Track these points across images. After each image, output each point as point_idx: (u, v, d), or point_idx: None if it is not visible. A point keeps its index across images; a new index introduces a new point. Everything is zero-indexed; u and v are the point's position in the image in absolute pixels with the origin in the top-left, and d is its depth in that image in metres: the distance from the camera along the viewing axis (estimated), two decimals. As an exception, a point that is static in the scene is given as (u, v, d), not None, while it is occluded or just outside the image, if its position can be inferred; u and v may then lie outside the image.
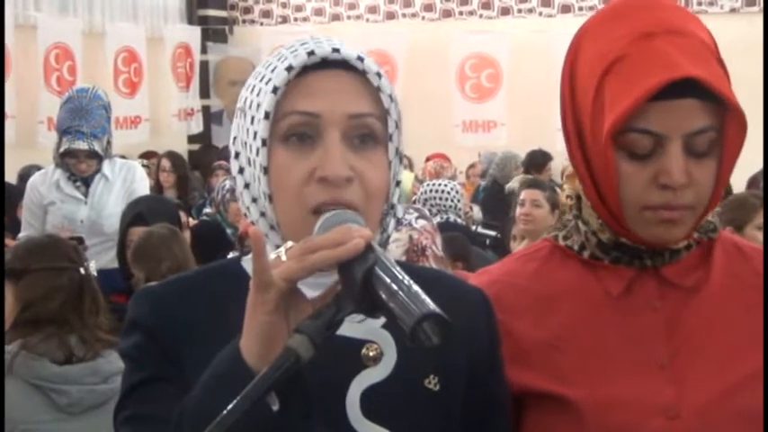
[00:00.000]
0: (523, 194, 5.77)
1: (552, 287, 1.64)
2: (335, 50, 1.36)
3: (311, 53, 1.36)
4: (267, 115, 1.36)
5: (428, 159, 10.86)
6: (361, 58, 1.37)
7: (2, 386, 2.90)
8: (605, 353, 1.59)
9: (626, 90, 1.48)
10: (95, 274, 3.31)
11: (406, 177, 8.34)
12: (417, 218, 3.39)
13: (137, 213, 4.56)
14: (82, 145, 4.99)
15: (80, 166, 5.06)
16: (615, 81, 1.50)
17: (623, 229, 1.57)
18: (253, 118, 1.39)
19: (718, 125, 1.51)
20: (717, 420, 1.53)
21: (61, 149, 5.04)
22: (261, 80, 1.40)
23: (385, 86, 1.39)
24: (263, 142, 1.37)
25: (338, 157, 1.34)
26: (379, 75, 1.38)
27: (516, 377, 1.59)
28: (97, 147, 5.02)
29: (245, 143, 1.40)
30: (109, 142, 5.15)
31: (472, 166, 11.73)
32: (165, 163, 8.28)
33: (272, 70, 1.38)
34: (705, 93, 1.47)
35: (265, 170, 1.38)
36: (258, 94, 1.38)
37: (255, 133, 1.38)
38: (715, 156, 1.53)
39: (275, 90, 1.35)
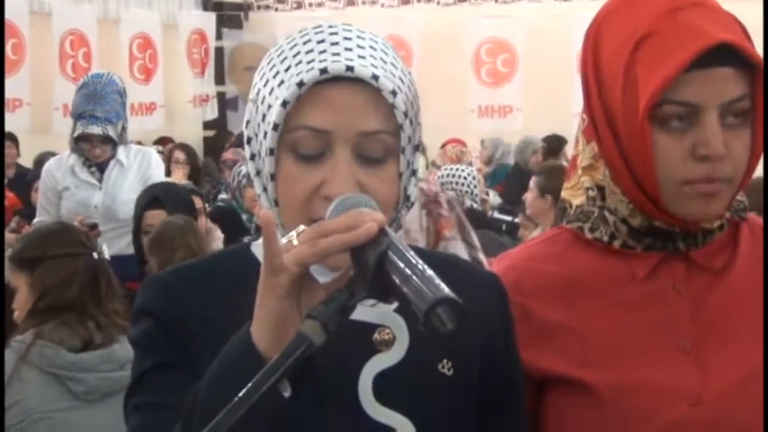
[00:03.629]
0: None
1: (575, 271, 1.62)
2: (349, 69, 1.30)
3: (324, 71, 1.30)
4: (276, 127, 1.32)
5: (444, 145, 10.84)
6: (375, 77, 1.31)
7: (2, 380, 2.90)
8: (627, 337, 1.56)
9: (660, 63, 1.46)
10: (108, 258, 3.30)
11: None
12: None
13: (153, 197, 4.54)
14: (95, 129, 4.97)
15: (94, 152, 5.05)
16: (647, 57, 1.48)
17: (658, 210, 1.54)
18: (264, 116, 1.35)
19: (750, 93, 1.49)
20: (740, 407, 1.51)
21: (75, 134, 5.03)
22: (273, 74, 1.35)
23: (399, 104, 1.33)
24: (271, 151, 1.34)
25: (345, 177, 1.30)
26: (394, 93, 1.32)
27: (536, 360, 1.57)
28: (111, 132, 5.00)
29: (257, 135, 1.38)
30: (124, 128, 5.13)
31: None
32: (179, 155, 8.23)
33: (286, 69, 1.33)
34: (738, 60, 1.46)
35: (272, 177, 1.35)
36: (270, 92, 1.34)
37: (265, 133, 1.34)
38: (749, 125, 1.51)
39: (285, 104, 1.31)
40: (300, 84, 1.30)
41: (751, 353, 1.54)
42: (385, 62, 1.34)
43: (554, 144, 10.32)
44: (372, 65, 1.32)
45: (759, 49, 1.51)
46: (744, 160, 1.52)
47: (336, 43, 1.33)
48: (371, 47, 1.35)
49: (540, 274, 1.62)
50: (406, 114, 1.34)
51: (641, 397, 1.52)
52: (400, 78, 1.35)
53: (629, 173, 1.54)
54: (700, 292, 1.57)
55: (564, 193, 1.69)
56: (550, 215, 5.30)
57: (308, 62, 1.32)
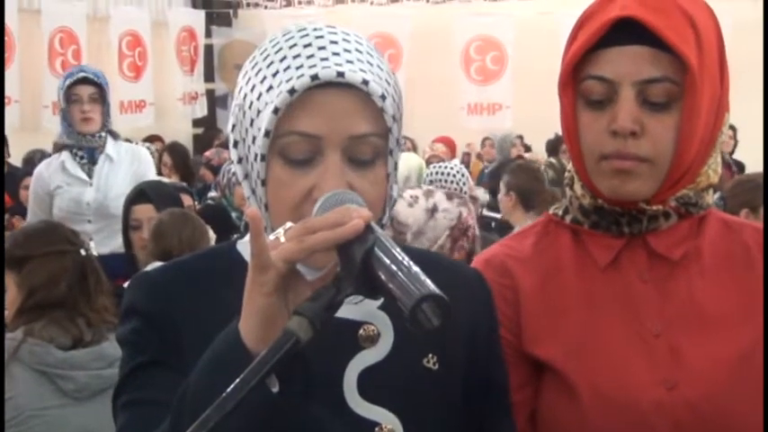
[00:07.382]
0: None
1: (548, 260, 1.66)
2: (340, 75, 1.31)
3: (315, 77, 1.30)
4: (267, 134, 1.33)
5: (434, 142, 10.84)
6: (366, 82, 1.32)
7: (2, 380, 2.90)
8: (596, 323, 1.59)
9: (581, 37, 1.55)
10: (96, 254, 3.29)
11: (417, 161, 8.25)
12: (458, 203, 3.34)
13: (139, 191, 4.54)
14: (84, 80, 4.99)
15: (84, 109, 4.99)
16: (581, 36, 1.56)
17: (591, 183, 1.60)
18: (252, 121, 1.35)
19: (678, 79, 1.52)
20: (717, 391, 1.53)
21: (62, 89, 5.00)
22: (260, 79, 1.35)
23: (388, 108, 1.34)
24: (263, 157, 1.34)
25: (337, 180, 1.31)
26: (383, 97, 1.33)
27: (528, 346, 1.61)
28: (101, 82, 5.02)
29: (244, 139, 1.38)
30: (108, 114, 5.13)
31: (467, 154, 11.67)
32: (166, 159, 8.19)
33: (274, 74, 1.33)
34: (660, 43, 1.50)
35: (263, 182, 1.36)
36: (258, 97, 1.34)
37: (254, 138, 1.35)
38: (676, 111, 1.54)
39: (276, 111, 1.31)
40: (292, 91, 1.30)
41: (726, 339, 1.56)
42: (371, 65, 1.35)
43: (553, 143, 10.39)
44: (361, 69, 1.33)
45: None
46: (666, 144, 1.54)
47: (323, 48, 1.34)
48: (357, 50, 1.36)
49: (520, 262, 1.66)
50: (394, 118, 1.36)
51: (616, 383, 1.54)
52: (387, 81, 1.36)
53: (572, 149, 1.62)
54: (663, 280, 1.60)
55: None
56: (516, 212, 5.36)
57: (297, 68, 1.32)
